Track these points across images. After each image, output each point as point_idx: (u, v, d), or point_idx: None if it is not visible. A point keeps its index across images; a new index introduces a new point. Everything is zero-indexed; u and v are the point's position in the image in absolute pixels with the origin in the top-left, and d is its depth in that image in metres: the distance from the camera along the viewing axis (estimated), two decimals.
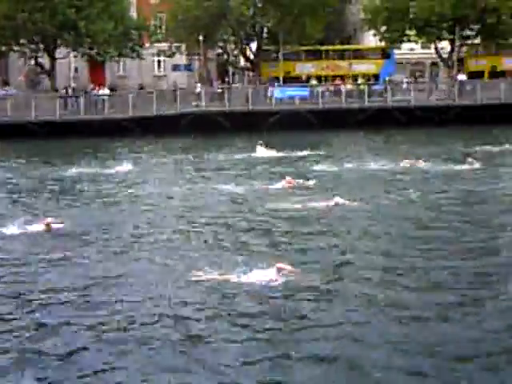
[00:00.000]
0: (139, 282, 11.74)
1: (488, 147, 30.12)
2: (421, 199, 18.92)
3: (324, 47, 52.31)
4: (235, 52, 54.24)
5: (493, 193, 19.83)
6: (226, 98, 41.10)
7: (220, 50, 55.70)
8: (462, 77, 45.64)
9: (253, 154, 29.72)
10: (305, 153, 29.37)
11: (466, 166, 24.39)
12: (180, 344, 9.03)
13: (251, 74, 51.91)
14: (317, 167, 25.34)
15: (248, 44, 51.14)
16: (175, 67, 52.16)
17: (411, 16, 46.73)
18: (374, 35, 50.69)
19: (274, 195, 19.69)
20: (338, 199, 17.45)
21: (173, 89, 44.15)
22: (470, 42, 50.13)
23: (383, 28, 48.85)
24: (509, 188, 20.41)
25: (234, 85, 52.14)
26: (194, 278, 11.73)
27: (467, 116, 40.04)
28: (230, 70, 58.84)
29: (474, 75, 48.89)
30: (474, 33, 48.84)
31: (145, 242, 14.78)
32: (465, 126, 38.29)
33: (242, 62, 55.76)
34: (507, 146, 30.20)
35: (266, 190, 20.71)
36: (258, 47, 50.16)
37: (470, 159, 24.87)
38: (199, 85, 44.98)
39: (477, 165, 24.34)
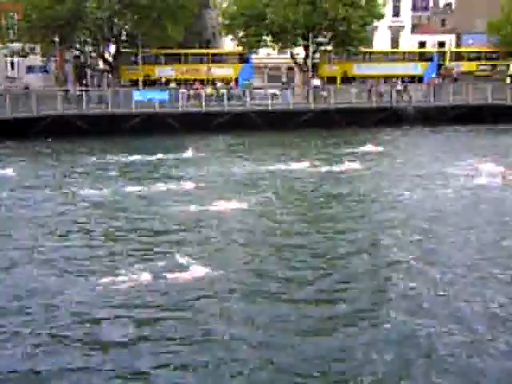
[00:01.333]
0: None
1: (362, 148, 32.03)
2: (299, 200, 20.09)
3: (183, 51, 52.60)
4: (93, 54, 53.19)
5: (364, 192, 21.34)
6: (85, 100, 40.29)
7: (77, 52, 54.39)
8: (316, 82, 47.66)
9: (109, 158, 29.57)
10: (169, 156, 29.63)
11: (339, 167, 25.93)
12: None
13: (110, 76, 51.11)
14: (185, 171, 25.76)
15: (106, 46, 50.31)
16: (30, 69, 50.31)
17: (267, 22, 48.01)
18: (232, 40, 51.70)
19: (156, 198, 19.93)
20: (223, 202, 18.40)
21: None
22: (323, 48, 52.37)
23: (241, 33, 49.95)
24: (381, 188, 21.98)
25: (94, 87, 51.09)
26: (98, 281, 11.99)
27: (322, 119, 41.95)
28: (89, 72, 57.53)
29: (328, 80, 51.36)
30: (326, 40, 51.04)
31: (36, 249, 14.62)
32: (320, 128, 40.06)
33: (101, 64, 54.80)
34: (396, 146, 32.41)
35: (146, 192, 20.91)
36: (117, 50, 49.52)
37: (347, 161, 26.51)
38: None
39: (355, 165, 26.01)
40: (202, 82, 48.33)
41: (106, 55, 50.53)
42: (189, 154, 30.21)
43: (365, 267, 13.36)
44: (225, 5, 52.01)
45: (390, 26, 64.90)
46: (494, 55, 57.86)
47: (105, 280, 12.06)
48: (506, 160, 26.73)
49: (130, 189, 21.55)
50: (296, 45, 50.70)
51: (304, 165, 26.65)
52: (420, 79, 54.28)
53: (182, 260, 12.95)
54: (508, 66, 57.03)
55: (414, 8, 71.05)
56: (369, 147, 32.05)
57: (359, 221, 17.48)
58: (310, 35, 48.89)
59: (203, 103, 41.89)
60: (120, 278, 12.07)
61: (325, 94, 44.94)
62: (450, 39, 66.02)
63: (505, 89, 47.60)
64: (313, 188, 22.34)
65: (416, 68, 55.73)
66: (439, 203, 19.47)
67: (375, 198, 20.56)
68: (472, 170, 25.14)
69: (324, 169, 25.97)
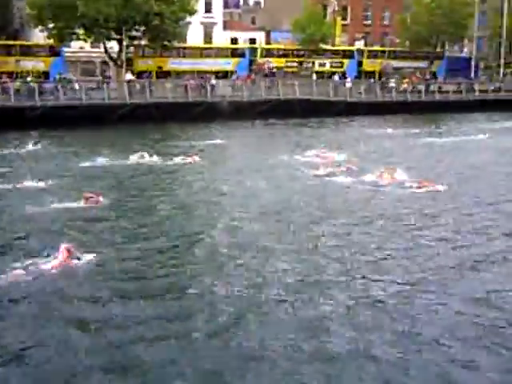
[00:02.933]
0: None
1: (202, 142, 32.69)
2: (132, 195, 20.37)
3: None
4: None
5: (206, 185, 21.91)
6: None
7: None
8: (129, 76, 47.38)
9: None
10: None
11: (166, 161, 26.29)
12: None
13: None
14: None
15: None
16: None
17: (78, 14, 46.67)
18: (42, 32, 49.70)
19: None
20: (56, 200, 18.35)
21: None
22: (137, 42, 52.14)
23: (50, 25, 48.10)
24: (208, 181, 22.72)
25: None
26: None
27: (140, 114, 41.89)
28: None
29: (143, 75, 51.28)
30: (140, 34, 50.83)
31: None
32: (138, 123, 40.03)
33: None
34: (218, 140, 33.00)
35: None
36: None
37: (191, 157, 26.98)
38: None
39: (177, 159, 26.45)
40: (10, 75, 46.03)
41: None
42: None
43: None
44: None
45: (203, 22, 66.21)
46: (300, 52, 61.09)
47: None
48: (323, 150, 28.76)
49: None
50: (109, 38, 49.96)
51: (131, 159, 26.67)
52: (233, 74, 56.00)
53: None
54: (313, 62, 60.66)
55: (226, 5, 72.95)
56: (194, 141, 32.78)
57: (185, 214, 18.01)
58: (124, 29, 48.44)
59: (12, 97, 40.03)
60: None
61: (140, 88, 44.87)
62: (259, 36, 68.67)
63: (311, 84, 50.68)
64: (140, 182, 22.48)
65: (229, 63, 57.39)
66: (259, 193, 20.54)
67: (199, 192, 21.18)
68: (293, 160, 26.79)
69: (151, 163, 26.18)
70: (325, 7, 68.83)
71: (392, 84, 54.44)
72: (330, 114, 46.67)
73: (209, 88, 46.70)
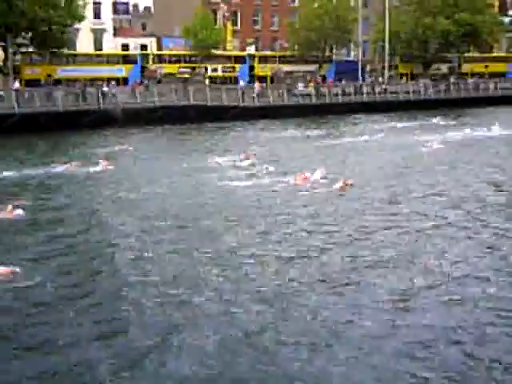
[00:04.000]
0: None
1: (103, 149, 32.24)
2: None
3: None
4: None
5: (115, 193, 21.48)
6: None
7: None
8: (16, 85, 45.76)
9: None
10: None
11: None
12: None
13: None
14: None
15: None
16: None
17: None
18: None
19: None
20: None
21: None
22: (25, 49, 50.45)
23: None
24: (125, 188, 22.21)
25: None
26: None
27: (28, 124, 40.39)
28: None
29: (32, 83, 49.57)
30: (27, 41, 49.23)
31: None
32: (28, 133, 38.62)
33: None
34: (115, 147, 32.71)
35: None
36: None
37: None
38: None
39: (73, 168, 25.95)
40: None
41: None
42: None
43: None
44: None
45: (93, 29, 64.93)
46: (193, 58, 61.18)
47: None
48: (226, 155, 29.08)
49: None
50: None
51: (24, 171, 25.76)
52: (125, 81, 55.31)
53: None
54: (206, 68, 60.89)
55: (115, 11, 71.93)
56: (90, 150, 32.29)
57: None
58: (9, 35, 46.73)
59: None
60: None
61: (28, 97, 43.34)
62: (150, 42, 68.17)
63: (205, 90, 50.78)
64: (43, 194, 21.82)
65: (121, 70, 56.65)
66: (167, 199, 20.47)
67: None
68: (196, 165, 26.81)
69: (48, 173, 25.42)
70: (215, 12, 69.27)
71: (301, 88, 55.77)
72: (225, 119, 47.00)
73: (100, 95, 45.81)
